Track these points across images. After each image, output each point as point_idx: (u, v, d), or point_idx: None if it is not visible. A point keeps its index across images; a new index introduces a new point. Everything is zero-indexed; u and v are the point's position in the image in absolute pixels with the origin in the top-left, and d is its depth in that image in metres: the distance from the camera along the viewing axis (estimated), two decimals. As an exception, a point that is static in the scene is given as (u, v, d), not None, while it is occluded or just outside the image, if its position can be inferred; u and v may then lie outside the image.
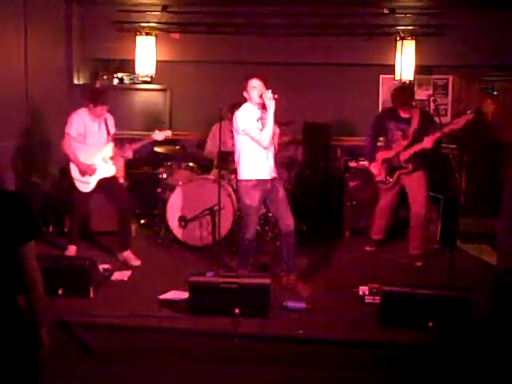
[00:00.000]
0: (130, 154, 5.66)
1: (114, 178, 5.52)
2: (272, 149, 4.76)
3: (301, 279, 4.89)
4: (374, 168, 5.65)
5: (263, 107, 4.63)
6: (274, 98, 4.47)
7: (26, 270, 2.27)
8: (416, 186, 5.48)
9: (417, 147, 5.30)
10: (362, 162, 6.54)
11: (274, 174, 4.78)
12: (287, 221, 4.78)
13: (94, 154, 5.34)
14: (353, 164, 6.78)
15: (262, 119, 4.65)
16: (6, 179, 2.53)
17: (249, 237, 4.78)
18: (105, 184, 5.40)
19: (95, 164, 5.33)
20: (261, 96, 4.56)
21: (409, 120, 5.44)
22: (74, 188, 5.35)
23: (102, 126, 5.38)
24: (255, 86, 4.61)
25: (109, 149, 5.41)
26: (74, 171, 5.31)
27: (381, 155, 5.62)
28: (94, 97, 5.31)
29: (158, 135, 5.49)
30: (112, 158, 5.42)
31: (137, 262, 5.38)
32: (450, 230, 5.80)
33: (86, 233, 6.02)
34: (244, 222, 4.84)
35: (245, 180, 4.71)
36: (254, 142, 4.63)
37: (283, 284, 4.82)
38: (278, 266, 5.11)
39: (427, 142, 5.20)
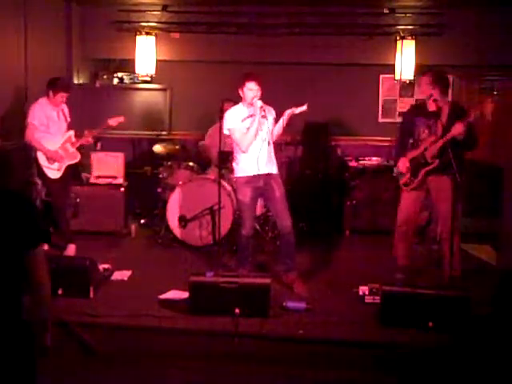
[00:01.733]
0: (90, 140, 5.75)
1: (76, 166, 5.78)
2: (266, 145, 4.73)
3: (300, 278, 4.87)
4: (402, 164, 4.93)
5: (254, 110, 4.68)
6: (260, 109, 4.57)
7: (32, 273, 2.27)
8: (443, 194, 4.76)
9: (446, 138, 4.66)
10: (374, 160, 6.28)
11: (268, 171, 4.75)
12: (284, 221, 4.78)
13: (57, 141, 5.47)
14: (353, 164, 6.78)
15: (252, 116, 4.68)
16: (14, 180, 2.50)
17: (244, 233, 4.81)
18: (68, 170, 5.57)
19: (60, 151, 5.46)
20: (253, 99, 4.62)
21: (437, 113, 4.79)
22: (45, 176, 5.46)
23: (60, 115, 5.52)
24: (252, 89, 4.65)
25: (70, 136, 5.56)
26: (42, 159, 5.41)
27: (409, 155, 4.97)
28: (54, 84, 5.39)
29: (112, 120, 5.71)
30: (74, 145, 5.56)
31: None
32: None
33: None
34: (240, 218, 4.92)
35: (237, 177, 4.85)
36: (236, 144, 4.73)
37: (284, 282, 4.82)
38: (277, 265, 5.11)
39: (457, 129, 4.56)
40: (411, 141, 5.05)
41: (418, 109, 5.06)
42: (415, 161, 4.92)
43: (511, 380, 3.61)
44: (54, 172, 5.44)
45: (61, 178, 5.49)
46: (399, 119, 5.63)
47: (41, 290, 2.30)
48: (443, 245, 4.95)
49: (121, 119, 5.80)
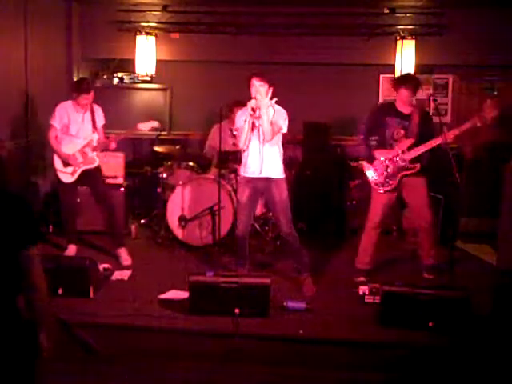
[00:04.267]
0: (113, 146, 5.54)
1: (97, 170, 5.51)
2: (266, 146, 4.63)
3: (310, 279, 4.83)
4: (379, 167, 4.96)
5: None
6: (251, 112, 4.53)
7: (27, 273, 2.26)
8: (418, 192, 4.95)
9: (432, 143, 4.76)
10: (361, 162, 6.42)
11: (269, 175, 4.67)
12: (283, 228, 4.76)
13: (77, 144, 5.37)
14: (353, 164, 6.78)
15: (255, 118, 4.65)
16: (11, 181, 2.49)
17: (237, 233, 4.84)
18: (88, 176, 5.42)
19: (78, 154, 5.35)
20: (255, 98, 4.56)
21: (409, 117, 4.90)
22: (58, 180, 5.40)
23: (86, 117, 5.40)
24: (253, 84, 4.61)
25: (93, 140, 5.42)
26: (57, 162, 5.35)
27: (380, 154, 4.97)
28: (76, 86, 5.35)
29: (144, 125, 5.52)
30: (95, 149, 5.41)
31: (127, 262, 5.39)
32: (450, 230, 5.78)
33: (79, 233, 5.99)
34: (237, 218, 4.95)
35: (240, 177, 4.94)
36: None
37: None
38: (276, 264, 5.11)
39: (448, 137, 4.64)
40: (374, 139, 5.04)
41: (390, 108, 5.01)
42: (391, 162, 4.93)
43: (511, 380, 3.61)
44: (66, 176, 5.34)
45: (75, 181, 5.37)
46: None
47: (35, 290, 2.29)
48: (420, 236, 5.11)
49: (155, 124, 5.60)
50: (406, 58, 7.01)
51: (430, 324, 3.98)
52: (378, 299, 4.33)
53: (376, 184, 5.00)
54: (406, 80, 4.98)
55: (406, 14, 7.10)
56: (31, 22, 6.08)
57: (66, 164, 5.33)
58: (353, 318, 4.23)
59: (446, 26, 6.99)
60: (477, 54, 7.00)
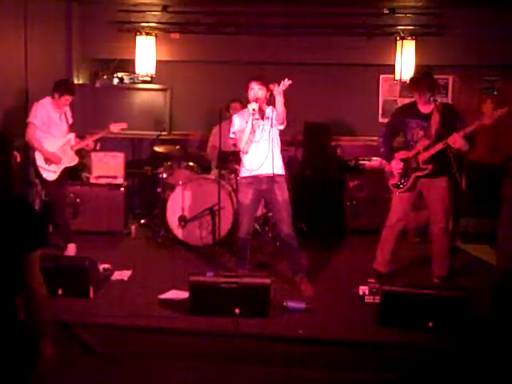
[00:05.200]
0: (90, 145, 5.70)
1: (75, 167, 5.72)
2: (267, 145, 4.67)
3: (306, 279, 4.82)
4: (396, 166, 4.86)
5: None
6: (251, 111, 4.57)
7: (27, 279, 2.26)
8: (435, 195, 4.83)
9: (438, 146, 4.68)
10: (374, 160, 6.32)
11: (271, 173, 4.68)
12: (284, 228, 4.76)
13: (56, 143, 5.43)
14: (353, 164, 6.78)
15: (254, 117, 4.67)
16: (15, 184, 2.49)
17: (240, 235, 4.83)
18: (67, 173, 5.56)
19: (59, 152, 5.42)
20: (256, 100, 4.62)
21: (429, 116, 4.79)
22: (40, 177, 5.44)
23: (62, 117, 5.48)
24: (252, 88, 4.67)
25: (71, 138, 5.53)
26: (40, 159, 5.38)
27: (399, 155, 4.91)
28: (60, 86, 5.35)
29: (114, 127, 5.68)
30: (73, 148, 5.52)
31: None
32: (450, 230, 5.78)
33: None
34: (239, 220, 4.91)
35: (240, 177, 4.88)
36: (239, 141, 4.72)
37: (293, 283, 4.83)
38: (276, 265, 5.11)
39: (455, 140, 4.55)
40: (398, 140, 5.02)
41: (411, 109, 4.95)
42: (406, 163, 4.87)
43: (511, 380, 3.61)
44: (49, 174, 5.41)
45: (57, 179, 5.45)
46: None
47: (34, 293, 2.28)
48: (434, 244, 4.95)
49: (124, 125, 5.78)
50: (405, 58, 7.01)
51: (430, 324, 3.98)
52: (377, 299, 4.33)
53: (392, 185, 4.96)
54: (417, 84, 4.90)
55: (405, 14, 7.10)
56: (31, 21, 6.09)
57: (49, 161, 5.39)
58: (353, 318, 4.23)
59: (445, 26, 6.99)
60: (477, 54, 7.00)
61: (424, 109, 4.84)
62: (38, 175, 5.45)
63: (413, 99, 4.95)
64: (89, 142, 5.64)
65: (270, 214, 5.82)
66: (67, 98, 5.34)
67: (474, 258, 5.88)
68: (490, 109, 6.20)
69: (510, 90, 7.27)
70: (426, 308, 4.00)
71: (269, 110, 4.71)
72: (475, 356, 3.77)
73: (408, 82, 5.13)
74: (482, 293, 4.31)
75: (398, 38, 7.05)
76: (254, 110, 4.59)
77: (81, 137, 5.65)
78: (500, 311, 4.13)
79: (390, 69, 7.14)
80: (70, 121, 5.58)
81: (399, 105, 7.37)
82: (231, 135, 4.83)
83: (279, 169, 4.76)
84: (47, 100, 5.37)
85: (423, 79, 4.98)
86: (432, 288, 4.16)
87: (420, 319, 3.99)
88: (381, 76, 7.49)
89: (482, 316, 4.09)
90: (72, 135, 5.55)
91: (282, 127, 4.71)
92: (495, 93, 7.38)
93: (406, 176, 4.87)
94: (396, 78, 7.12)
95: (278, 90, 4.48)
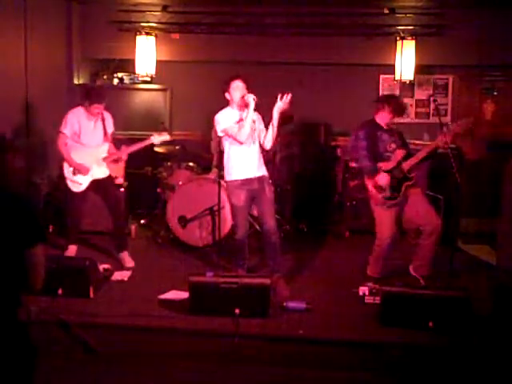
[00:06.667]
0: (124, 157, 5.46)
1: (108, 180, 5.41)
2: (256, 146, 4.73)
3: (283, 279, 4.77)
4: (383, 179, 4.77)
5: (245, 106, 4.64)
6: (252, 100, 4.55)
7: (30, 273, 2.26)
8: (421, 201, 4.92)
9: (429, 148, 4.79)
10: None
11: (261, 173, 4.75)
12: (269, 221, 4.75)
13: (87, 153, 5.26)
14: (353, 164, 6.77)
15: (242, 120, 4.65)
16: (14, 181, 2.50)
17: (238, 237, 4.81)
18: (98, 185, 5.32)
19: (88, 164, 5.24)
20: (242, 97, 4.61)
21: (392, 131, 4.96)
22: (67, 188, 5.30)
23: (98, 125, 5.29)
24: (237, 86, 4.67)
25: (104, 149, 5.32)
26: (67, 170, 5.26)
27: (382, 167, 4.84)
28: (89, 95, 5.24)
29: (156, 139, 5.41)
30: (105, 159, 5.32)
31: (130, 264, 5.34)
32: (450, 230, 5.78)
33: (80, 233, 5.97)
34: (234, 222, 4.89)
35: (230, 180, 4.77)
36: (234, 139, 4.65)
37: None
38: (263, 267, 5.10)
39: (441, 140, 4.64)
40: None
41: (375, 124, 4.96)
42: (392, 175, 4.83)
43: (511, 380, 3.61)
44: (76, 185, 5.25)
45: (83, 192, 5.27)
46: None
47: (33, 287, 2.30)
48: (422, 243, 4.94)
49: (166, 137, 5.46)
50: (406, 58, 7.01)
51: (430, 324, 3.97)
52: (378, 300, 4.33)
53: (385, 198, 4.83)
54: (397, 106, 4.97)
55: (405, 14, 7.10)
56: (31, 21, 6.08)
57: (75, 172, 5.24)
58: (353, 319, 4.23)
59: (445, 26, 7.00)
60: (477, 53, 7.00)
61: (385, 125, 4.92)
62: (65, 185, 5.30)
63: (386, 111, 4.92)
64: (122, 155, 5.36)
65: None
66: (97, 107, 5.14)
67: (474, 258, 5.88)
68: (489, 108, 6.21)
69: (510, 90, 7.28)
70: (426, 308, 4.00)
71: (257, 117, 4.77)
72: (475, 356, 3.77)
73: (392, 99, 5.06)
74: (482, 293, 4.32)
75: (397, 38, 7.05)
76: (254, 98, 4.57)
77: (117, 146, 5.38)
78: (500, 311, 4.13)
79: (390, 69, 7.14)
80: (110, 129, 5.34)
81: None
82: (220, 133, 4.72)
83: (265, 169, 4.84)
84: (80, 109, 5.22)
85: (401, 105, 5.11)
86: (432, 288, 4.16)
87: (420, 319, 3.99)
88: (381, 76, 7.49)
89: (482, 316, 4.09)
90: (106, 145, 5.31)
91: (269, 147, 4.80)
92: (495, 93, 7.38)
93: (397, 187, 4.84)
94: (396, 78, 7.12)
95: (279, 107, 4.52)
